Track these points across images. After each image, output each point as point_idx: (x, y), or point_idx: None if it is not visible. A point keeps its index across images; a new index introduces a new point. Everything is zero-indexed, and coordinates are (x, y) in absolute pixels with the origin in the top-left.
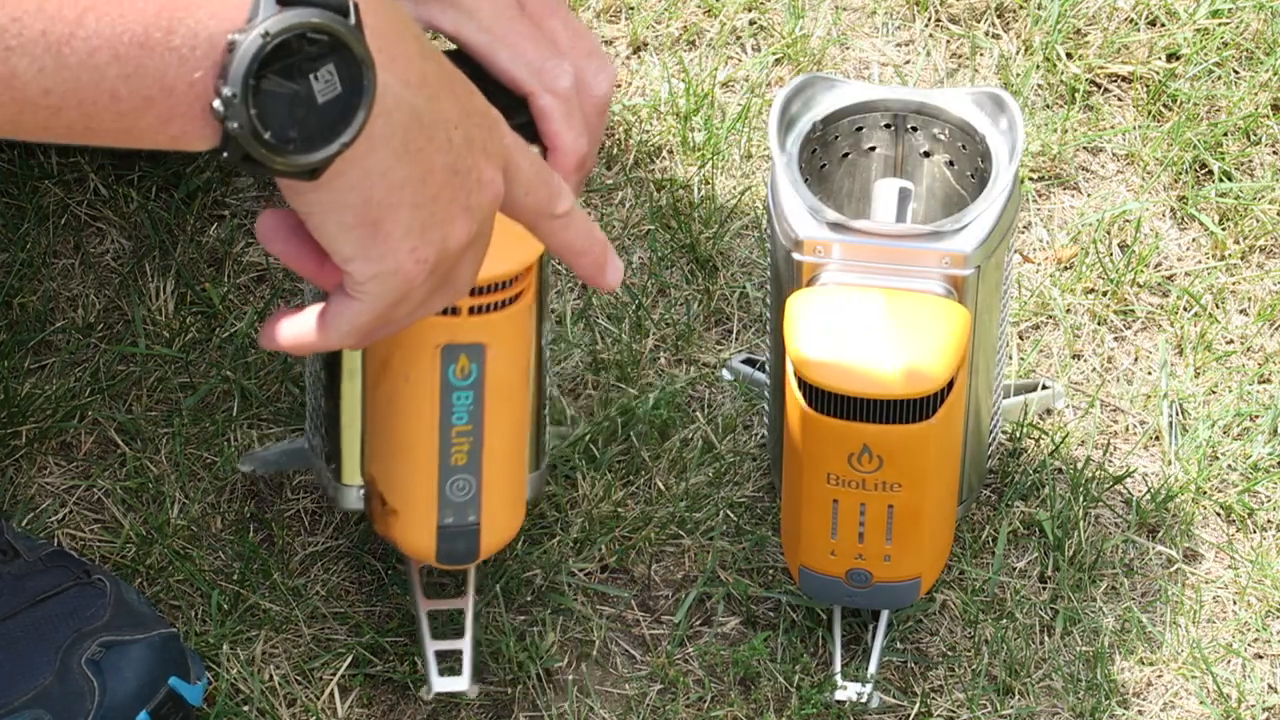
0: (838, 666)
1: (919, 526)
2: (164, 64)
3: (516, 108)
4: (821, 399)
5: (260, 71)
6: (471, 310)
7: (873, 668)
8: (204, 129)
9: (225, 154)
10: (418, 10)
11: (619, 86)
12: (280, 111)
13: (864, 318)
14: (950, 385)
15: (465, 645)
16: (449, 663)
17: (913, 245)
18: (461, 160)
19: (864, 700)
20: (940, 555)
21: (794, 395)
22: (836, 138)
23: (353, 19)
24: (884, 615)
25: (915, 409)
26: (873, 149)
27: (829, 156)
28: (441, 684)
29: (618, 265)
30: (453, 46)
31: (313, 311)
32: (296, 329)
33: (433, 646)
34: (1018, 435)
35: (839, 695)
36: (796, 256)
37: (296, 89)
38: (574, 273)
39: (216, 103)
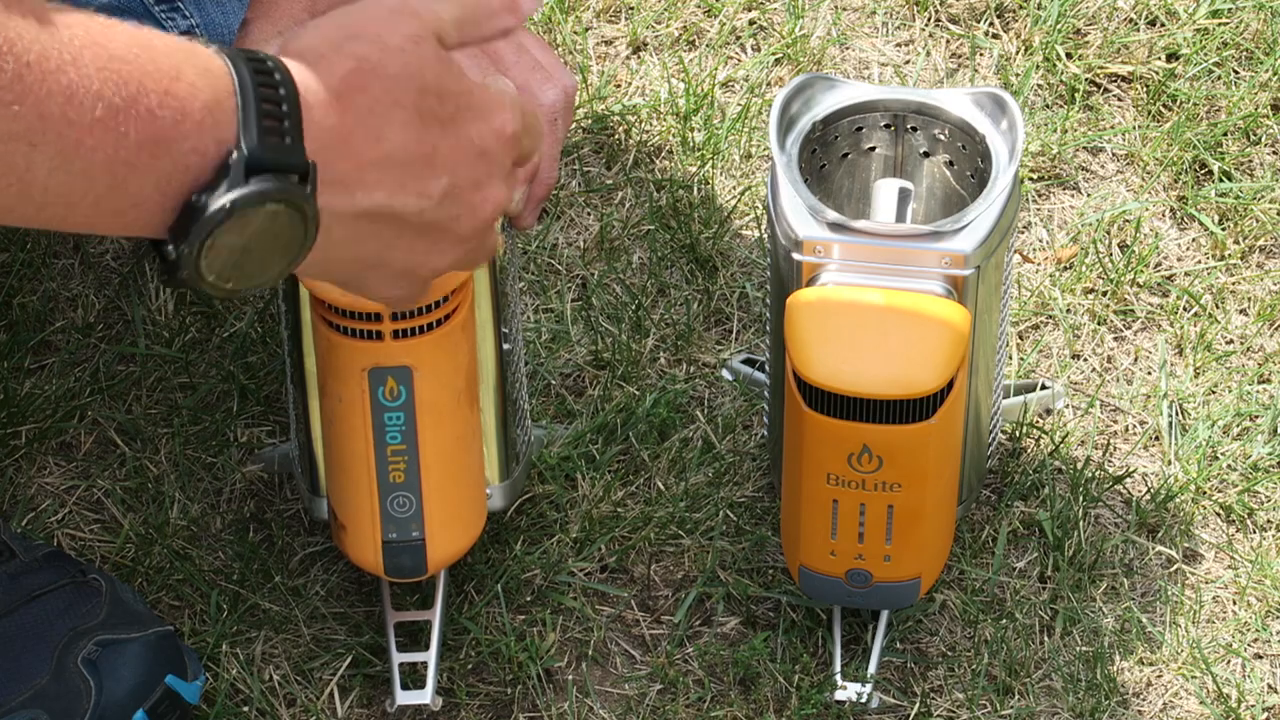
0: (838, 666)
1: (919, 526)
2: (144, 185)
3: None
4: (821, 399)
5: (215, 233)
6: (395, 334)
7: (872, 668)
8: (157, 235)
9: (160, 270)
10: None
11: (618, 86)
12: (226, 262)
13: (864, 318)
14: (950, 385)
15: (430, 658)
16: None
17: (913, 245)
18: (439, 216)
19: (864, 700)
20: (940, 555)
21: (794, 395)
22: (836, 138)
23: (310, 184)
24: (884, 615)
25: (915, 409)
26: (873, 149)
27: (829, 156)
28: (405, 697)
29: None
30: None
31: None
32: None
33: (398, 659)
34: (1018, 435)
35: (839, 695)
36: (796, 256)
37: (245, 243)
38: None
39: (169, 248)
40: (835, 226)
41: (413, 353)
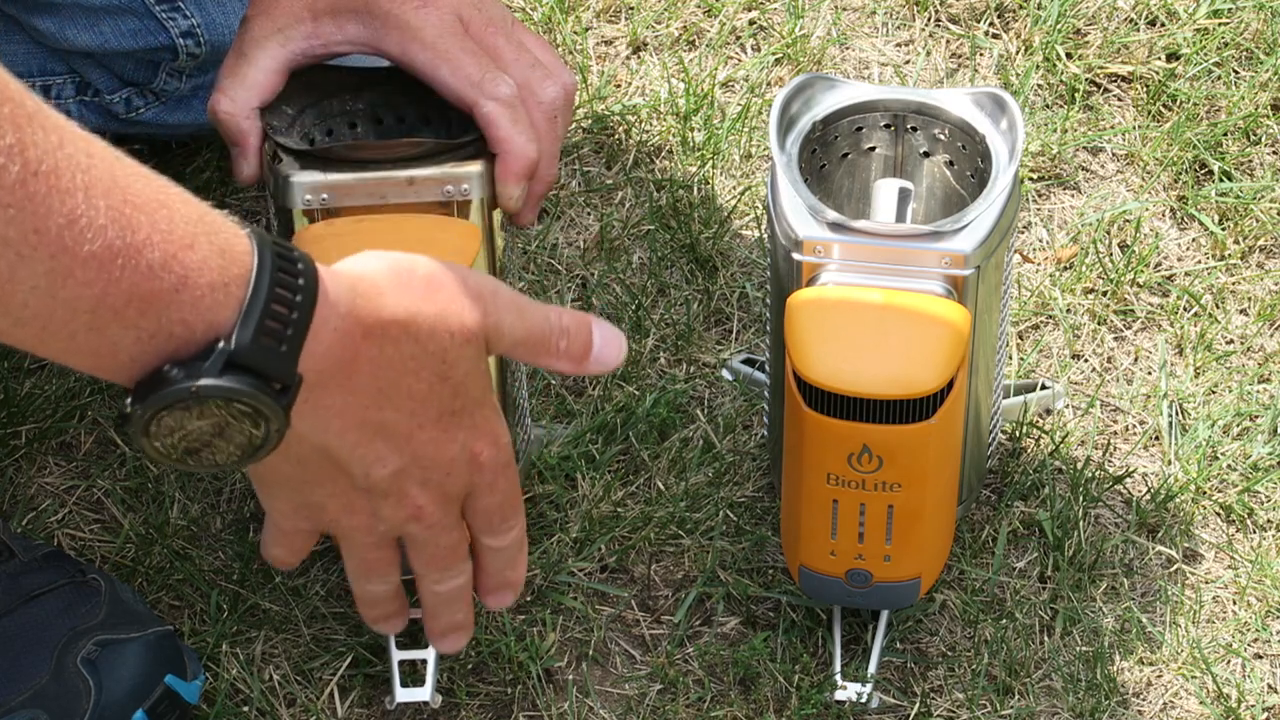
0: (838, 666)
1: (919, 526)
2: (122, 336)
3: (468, 126)
4: (821, 399)
5: (171, 409)
6: None
7: (872, 668)
8: (127, 384)
9: (118, 419)
10: (368, 30)
11: (618, 86)
12: (175, 439)
13: (864, 318)
14: (950, 385)
15: (430, 655)
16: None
17: (912, 245)
18: (378, 487)
19: (864, 700)
20: (940, 555)
21: (794, 395)
22: (836, 138)
23: (289, 396)
24: (884, 615)
25: (915, 409)
26: (872, 149)
27: (829, 156)
28: (404, 694)
29: (508, 599)
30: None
31: None
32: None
33: (397, 656)
34: (1018, 435)
35: (839, 695)
36: (796, 256)
37: (197, 431)
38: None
39: (127, 403)
40: (835, 226)
41: None
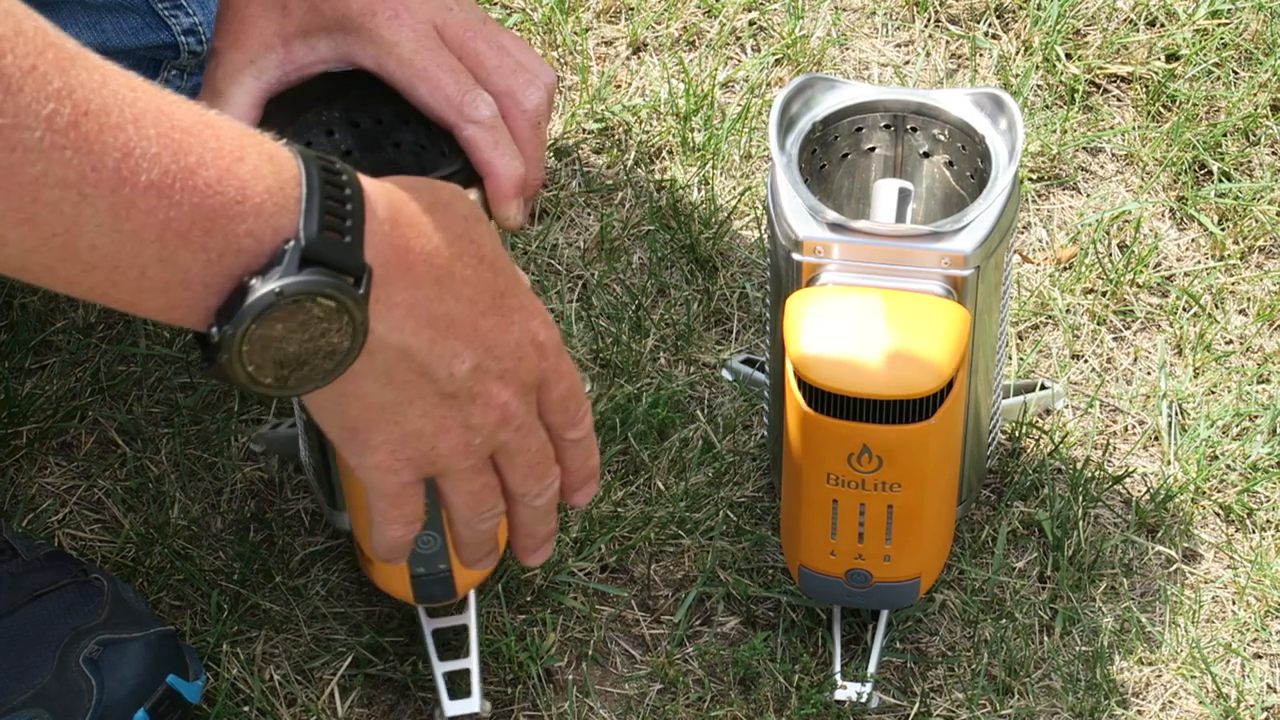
0: (838, 666)
1: (919, 526)
2: (193, 261)
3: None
4: (821, 399)
5: (260, 319)
6: None
7: (872, 667)
8: (200, 324)
9: (200, 359)
10: (341, 47)
11: (618, 86)
12: (267, 355)
13: (864, 318)
14: (950, 385)
15: (472, 664)
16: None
17: (912, 246)
18: (462, 388)
19: (863, 700)
20: (940, 555)
21: (794, 395)
22: (836, 138)
23: (363, 287)
24: (883, 615)
25: (915, 409)
26: (872, 149)
27: (829, 157)
28: (453, 707)
29: (592, 489)
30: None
31: None
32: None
33: (441, 668)
34: (1018, 435)
35: (839, 695)
36: (796, 257)
37: (287, 338)
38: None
39: (213, 330)
40: (835, 227)
41: None
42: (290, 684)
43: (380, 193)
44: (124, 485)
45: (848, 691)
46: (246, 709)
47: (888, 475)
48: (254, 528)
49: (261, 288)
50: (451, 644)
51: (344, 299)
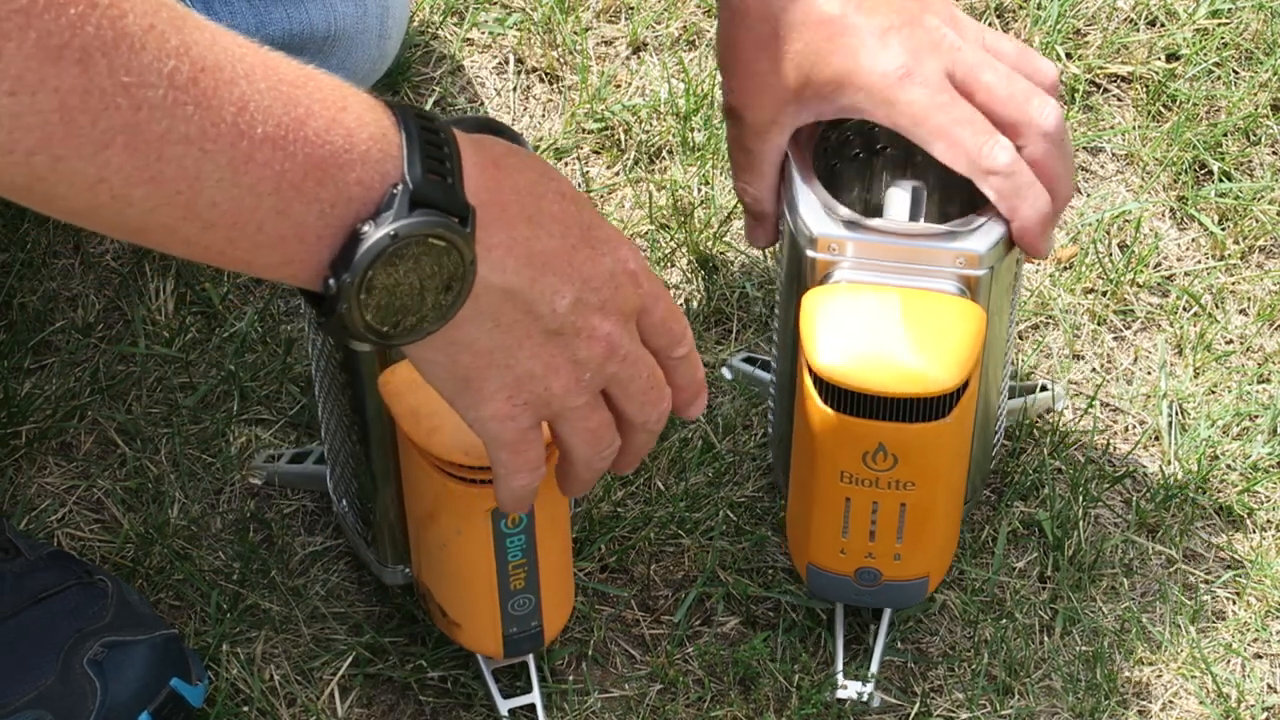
0: (840, 665)
1: (930, 525)
2: (307, 211)
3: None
4: (838, 397)
5: (377, 263)
6: None
7: (874, 667)
8: (311, 279)
9: (318, 314)
10: (852, 100)
11: (618, 86)
12: (384, 301)
13: (881, 316)
14: (965, 385)
15: (536, 699)
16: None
17: (927, 245)
18: (566, 323)
19: (864, 699)
20: (947, 555)
21: (810, 394)
22: (848, 136)
23: (469, 225)
24: (886, 614)
25: (931, 407)
26: (883, 149)
27: (840, 156)
28: (506, 703)
29: (703, 401)
30: None
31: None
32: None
33: (505, 705)
34: (1018, 435)
35: (840, 694)
36: (811, 254)
37: (402, 282)
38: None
39: (331, 281)
40: (850, 224)
41: None
42: (290, 684)
43: (465, 140)
44: (123, 485)
45: (849, 690)
46: (246, 709)
47: (902, 474)
48: (254, 528)
49: (375, 233)
50: (500, 679)
51: (454, 237)
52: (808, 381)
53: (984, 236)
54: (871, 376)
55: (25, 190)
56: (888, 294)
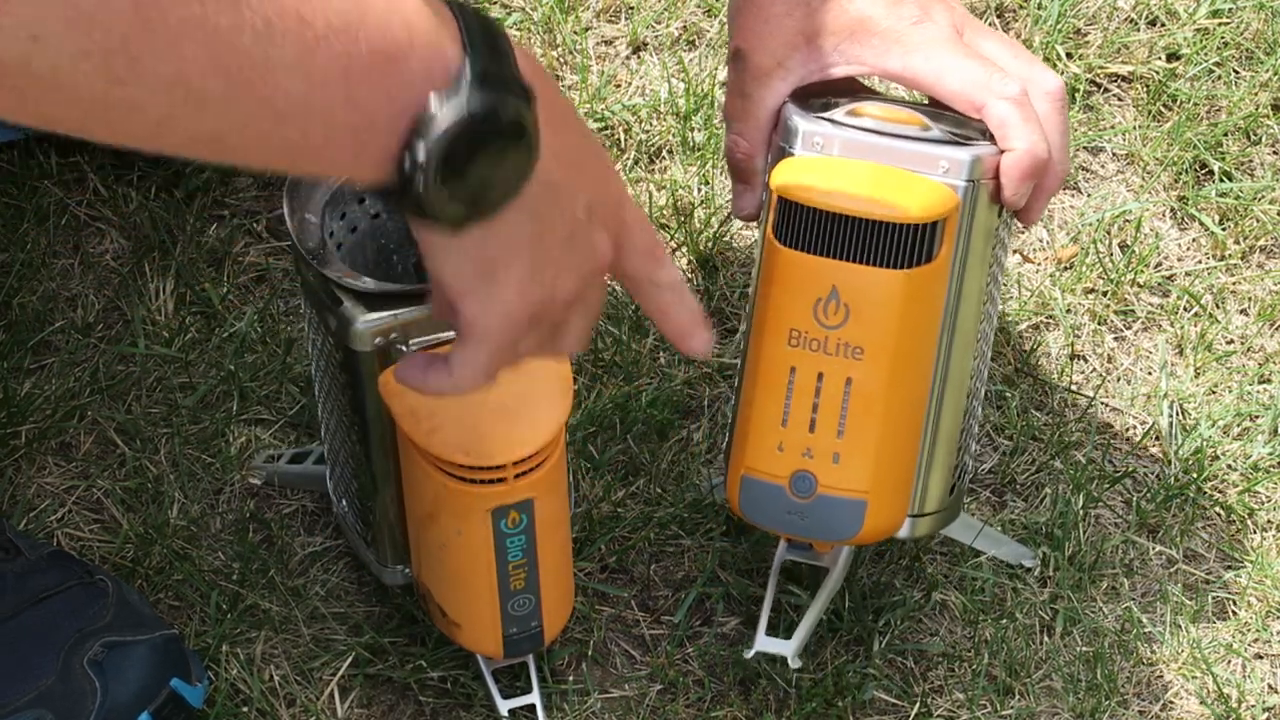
0: (764, 625)
1: (874, 419)
2: (376, 100)
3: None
4: (796, 228)
5: (454, 142)
6: (517, 476)
7: (798, 638)
8: (381, 170)
9: (390, 194)
10: (864, 54)
11: (618, 86)
12: (458, 182)
13: (852, 169)
14: (929, 237)
15: (536, 699)
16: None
17: (914, 147)
18: (580, 228)
19: (789, 662)
20: (893, 483)
21: (769, 239)
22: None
23: (532, 105)
24: (827, 585)
25: (892, 252)
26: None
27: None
28: (505, 704)
29: (705, 336)
30: None
31: (442, 358)
32: (429, 371)
33: (505, 706)
34: (1018, 435)
35: (757, 648)
36: (798, 151)
37: (474, 164)
38: (663, 334)
39: (406, 160)
40: (836, 124)
41: (534, 487)
42: (290, 684)
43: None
44: (123, 485)
45: (766, 646)
46: (246, 709)
47: (851, 334)
48: (253, 528)
49: (447, 113)
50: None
51: (523, 110)
52: (769, 228)
53: (971, 150)
54: (832, 196)
55: (102, 103)
56: (862, 164)
